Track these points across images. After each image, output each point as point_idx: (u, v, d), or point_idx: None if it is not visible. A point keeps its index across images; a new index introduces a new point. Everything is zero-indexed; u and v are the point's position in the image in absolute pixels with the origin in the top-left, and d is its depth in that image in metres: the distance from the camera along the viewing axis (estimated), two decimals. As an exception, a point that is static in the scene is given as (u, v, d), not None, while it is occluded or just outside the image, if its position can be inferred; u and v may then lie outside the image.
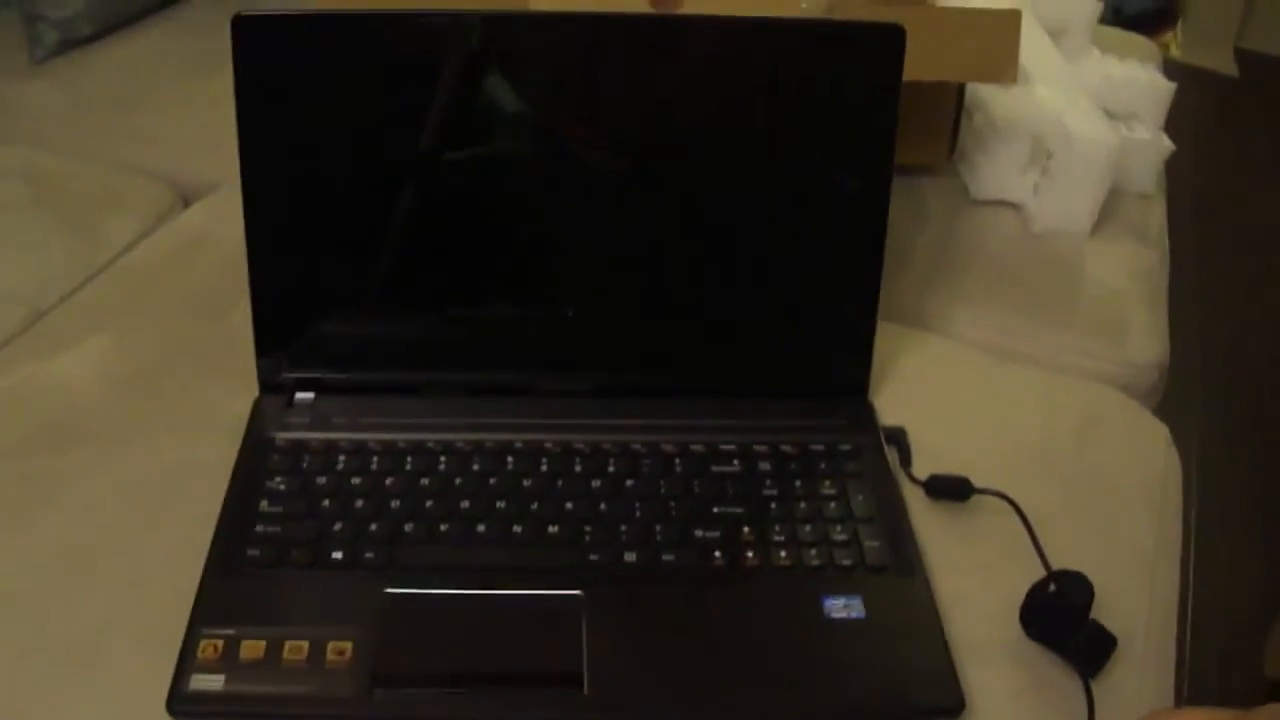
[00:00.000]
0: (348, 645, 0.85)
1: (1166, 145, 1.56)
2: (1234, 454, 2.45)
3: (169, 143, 1.60)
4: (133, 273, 1.31)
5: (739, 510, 0.98)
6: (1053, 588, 0.91)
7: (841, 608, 0.90)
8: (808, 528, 0.96)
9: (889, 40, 1.00)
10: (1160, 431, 1.17)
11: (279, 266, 1.03)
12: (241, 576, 0.90)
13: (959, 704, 0.85)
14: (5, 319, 1.22)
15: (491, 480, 0.99)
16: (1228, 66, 4.08)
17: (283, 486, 0.97)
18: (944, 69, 1.34)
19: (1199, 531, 2.12)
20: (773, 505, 0.98)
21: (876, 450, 1.05)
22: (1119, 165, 1.44)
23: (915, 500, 1.02)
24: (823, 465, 1.02)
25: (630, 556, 0.93)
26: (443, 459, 1.00)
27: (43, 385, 1.11)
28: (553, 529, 0.95)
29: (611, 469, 1.00)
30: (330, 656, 0.84)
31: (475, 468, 1.00)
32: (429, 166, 1.02)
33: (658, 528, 0.96)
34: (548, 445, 1.02)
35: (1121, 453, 1.12)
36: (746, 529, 0.96)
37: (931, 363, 1.20)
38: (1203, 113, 3.76)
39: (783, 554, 0.94)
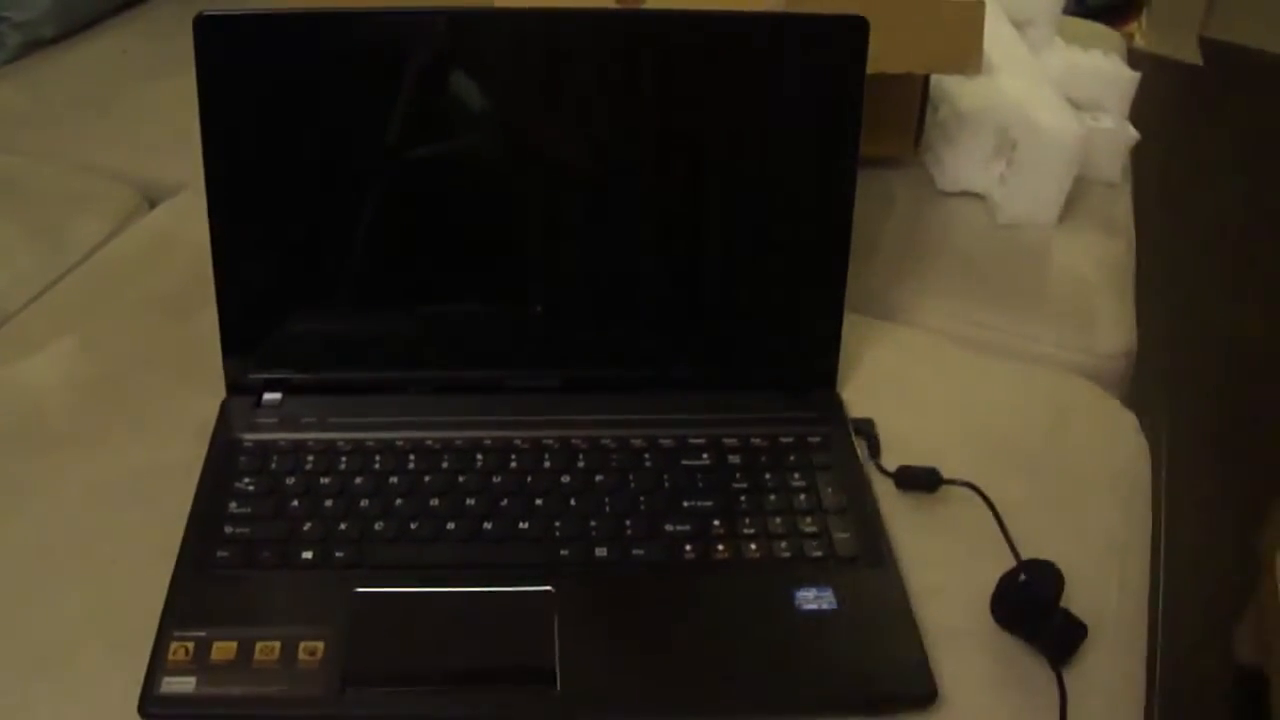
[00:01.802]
0: (319, 645, 0.84)
1: (1132, 134, 1.57)
2: (1202, 441, 2.47)
3: (133, 144, 1.59)
4: (99, 275, 1.31)
5: (709, 503, 0.98)
6: (1023, 577, 0.91)
7: (812, 599, 0.90)
8: (778, 520, 0.96)
9: (853, 32, 1.00)
10: (1128, 420, 1.17)
11: (244, 267, 1.03)
12: (211, 578, 0.90)
13: (931, 693, 0.85)
14: (-29, 322, 1.22)
15: (461, 478, 0.99)
16: (1192, 55, 4.09)
17: (251, 487, 0.97)
18: (908, 60, 1.35)
19: (1168, 519, 2.13)
20: (742, 498, 0.98)
21: (845, 442, 1.05)
22: (1084, 155, 1.45)
23: (885, 491, 1.02)
24: (792, 457, 1.02)
25: (601, 551, 0.93)
26: (411, 457, 1.00)
27: (9, 388, 1.11)
28: (523, 525, 0.95)
29: (581, 464, 1.00)
30: (302, 656, 0.84)
31: (444, 465, 0.99)
32: (394, 164, 1.02)
33: (628, 522, 0.96)
34: (517, 442, 1.02)
35: (1090, 442, 1.13)
36: (716, 522, 0.96)
37: (899, 354, 1.20)
38: (1168, 102, 3.78)
39: (753, 547, 0.94)
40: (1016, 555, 0.94)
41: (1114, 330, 1.34)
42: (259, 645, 0.84)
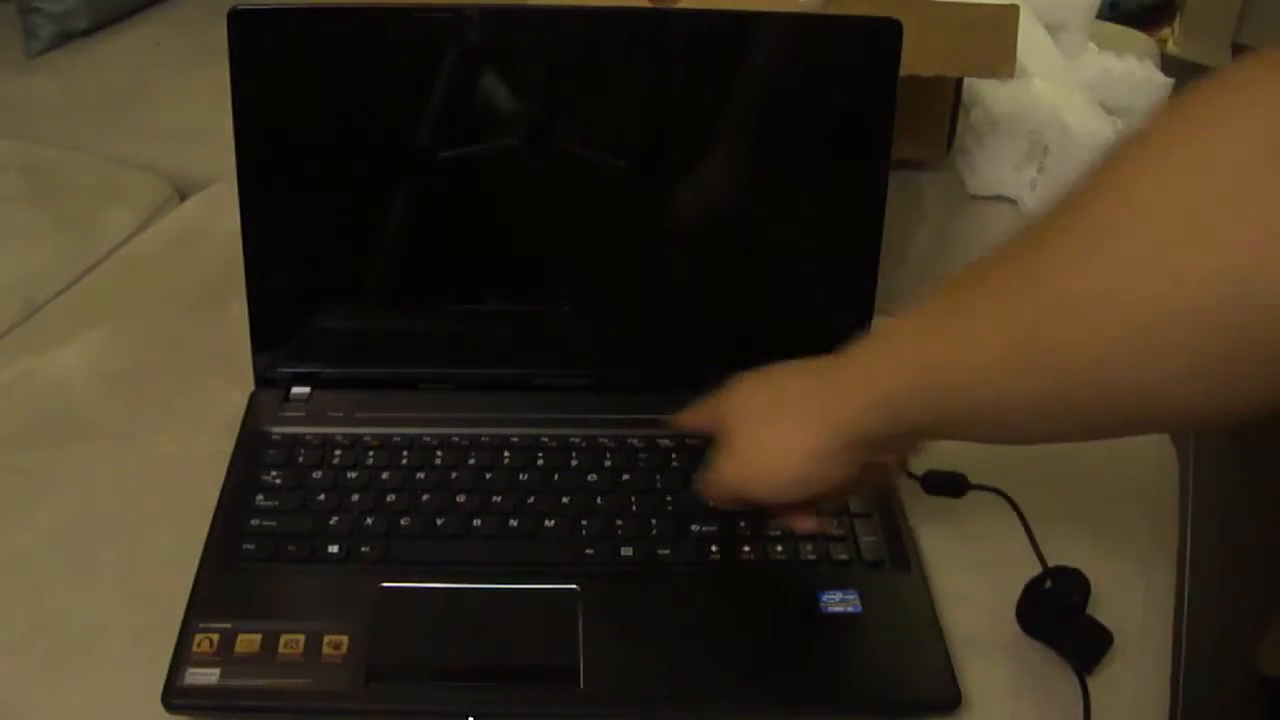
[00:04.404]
0: (343, 639, 0.85)
1: (1163, 140, 1.56)
2: (1230, 449, 2.45)
3: (165, 136, 1.60)
4: (129, 266, 1.31)
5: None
6: (1049, 584, 0.91)
7: (838, 602, 0.90)
8: (804, 522, 0.96)
9: (887, 34, 1.00)
10: (1156, 427, 1.16)
11: (275, 260, 1.03)
12: (237, 570, 0.90)
13: (956, 699, 0.85)
14: (1, 312, 1.22)
15: (488, 474, 0.99)
16: (1225, 62, 4.06)
17: (278, 480, 0.97)
18: (941, 63, 1.34)
19: (1194, 527, 2.12)
20: (770, 500, 0.98)
21: (873, 445, 1.04)
22: (1116, 161, 1.44)
23: (911, 496, 1.02)
24: (819, 460, 1.02)
25: (627, 551, 0.93)
26: (439, 453, 1.00)
27: (39, 378, 1.11)
28: (549, 523, 0.95)
29: (608, 463, 1.00)
30: (326, 650, 0.84)
31: (471, 462, 0.99)
32: (425, 160, 1.02)
33: (654, 522, 0.95)
34: (544, 440, 1.02)
35: (1118, 449, 1.12)
36: (742, 524, 0.96)
37: (928, 358, 1.19)
38: (1199, 109, 3.76)
39: (779, 549, 0.94)
40: (1043, 562, 0.94)
41: (1143, 337, 1.33)
42: (283, 638, 0.84)
